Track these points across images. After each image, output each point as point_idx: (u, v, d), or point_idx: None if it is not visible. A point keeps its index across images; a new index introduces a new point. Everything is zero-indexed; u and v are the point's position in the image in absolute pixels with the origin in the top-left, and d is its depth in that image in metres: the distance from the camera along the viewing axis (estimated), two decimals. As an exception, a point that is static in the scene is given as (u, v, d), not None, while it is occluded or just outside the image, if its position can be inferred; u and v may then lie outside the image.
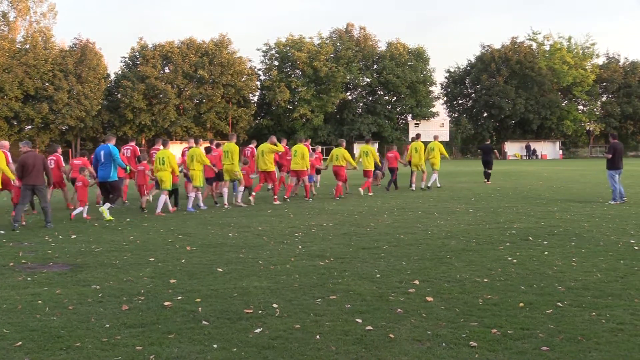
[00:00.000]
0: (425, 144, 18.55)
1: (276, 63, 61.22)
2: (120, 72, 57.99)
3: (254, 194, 14.56)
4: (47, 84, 51.81)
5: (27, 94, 50.88)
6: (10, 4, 53.70)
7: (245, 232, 9.65)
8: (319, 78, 58.02)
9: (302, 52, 58.08)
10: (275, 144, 14.92)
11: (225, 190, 14.24)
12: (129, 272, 6.69)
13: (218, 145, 16.00)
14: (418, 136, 19.05)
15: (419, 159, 17.76)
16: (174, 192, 13.46)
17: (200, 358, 4.03)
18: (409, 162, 18.09)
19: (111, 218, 11.74)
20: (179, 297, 5.54)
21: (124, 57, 58.67)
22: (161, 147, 13.96)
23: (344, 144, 16.83)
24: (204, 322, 4.77)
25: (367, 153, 16.41)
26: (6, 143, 11.77)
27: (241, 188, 14.25)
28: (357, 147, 54.16)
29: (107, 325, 4.71)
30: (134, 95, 52.96)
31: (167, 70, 57.21)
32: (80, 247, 8.35)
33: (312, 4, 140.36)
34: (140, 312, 5.08)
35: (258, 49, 71.82)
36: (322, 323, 4.73)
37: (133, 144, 15.71)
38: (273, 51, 61.02)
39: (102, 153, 12.25)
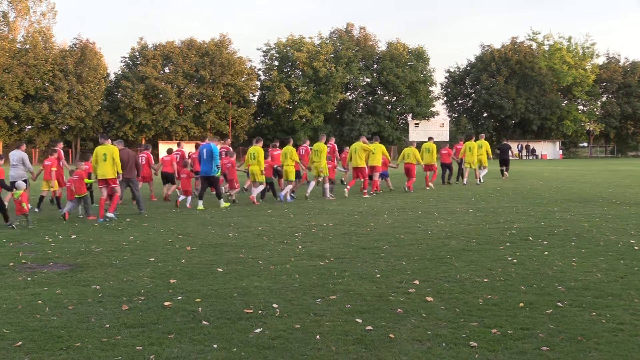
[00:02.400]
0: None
1: (276, 63, 61.16)
2: (120, 72, 58.00)
3: (348, 187, 16.55)
4: (47, 84, 51.79)
5: (27, 94, 50.87)
6: (10, 4, 53.67)
7: (245, 232, 9.65)
8: (319, 78, 58.00)
9: (302, 52, 58.05)
10: (366, 143, 16.77)
11: (312, 184, 16.10)
12: (129, 272, 6.69)
13: (274, 146, 17.87)
14: (469, 136, 21.34)
15: (471, 156, 19.69)
16: (269, 185, 15.34)
17: (200, 358, 4.03)
18: (462, 160, 20.13)
19: (227, 205, 13.83)
20: (179, 297, 5.54)
21: (124, 57, 58.72)
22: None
23: (415, 144, 18.75)
24: (204, 322, 4.77)
25: (428, 149, 18.76)
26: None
27: (327, 186, 15.81)
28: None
29: (107, 325, 4.71)
30: (134, 96, 52.95)
31: (167, 71, 57.20)
32: (80, 247, 8.35)
33: (312, 4, 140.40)
34: (140, 312, 5.08)
35: (258, 49, 71.75)
36: (322, 323, 4.73)
37: (219, 142, 16.86)
38: (273, 51, 60.96)
39: (205, 151, 13.81)
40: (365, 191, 16.24)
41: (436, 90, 66.05)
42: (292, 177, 15.24)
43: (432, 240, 8.57)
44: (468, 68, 67.62)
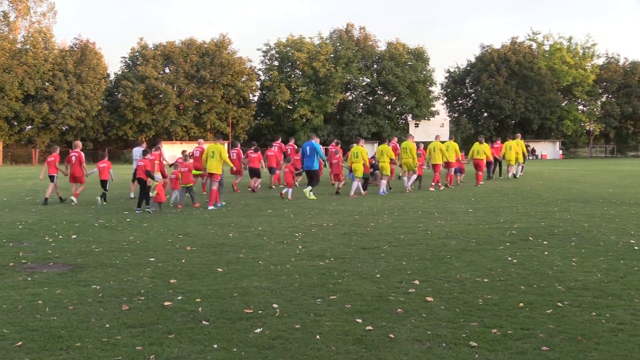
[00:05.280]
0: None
1: (276, 63, 61.17)
2: (120, 72, 57.98)
3: (438, 183, 18.35)
4: (47, 84, 51.80)
5: (27, 94, 50.86)
6: (11, 4, 53.68)
7: (245, 232, 9.65)
8: (319, 78, 57.98)
9: (302, 53, 58.04)
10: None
11: (406, 179, 17.75)
12: (129, 272, 6.69)
13: (337, 143, 19.56)
14: (508, 136, 23.98)
15: (512, 154, 21.80)
16: (365, 180, 16.74)
17: (200, 358, 4.03)
18: (503, 157, 22.21)
19: (314, 197, 14.93)
20: (179, 297, 5.54)
21: (124, 57, 58.74)
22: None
23: (482, 141, 20.36)
24: (204, 322, 4.77)
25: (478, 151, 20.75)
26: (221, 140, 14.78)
27: (414, 177, 17.69)
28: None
29: (107, 325, 4.71)
30: (134, 95, 52.93)
31: (167, 71, 57.18)
32: (80, 247, 8.35)
33: (312, 4, 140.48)
34: (140, 312, 5.08)
35: (258, 49, 71.84)
36: (322, 323, 4.73)
37: (284, 142, 19.67)
38: (273, 51, 60.97)
39: (307, 148, 15.34)
40: (440, 184, 18.32)
41: (436, 90, 66.12)
42: (388, 172, 16.79)
43: (432, 240, 8.57)
44: (468, 68, 67.58)
